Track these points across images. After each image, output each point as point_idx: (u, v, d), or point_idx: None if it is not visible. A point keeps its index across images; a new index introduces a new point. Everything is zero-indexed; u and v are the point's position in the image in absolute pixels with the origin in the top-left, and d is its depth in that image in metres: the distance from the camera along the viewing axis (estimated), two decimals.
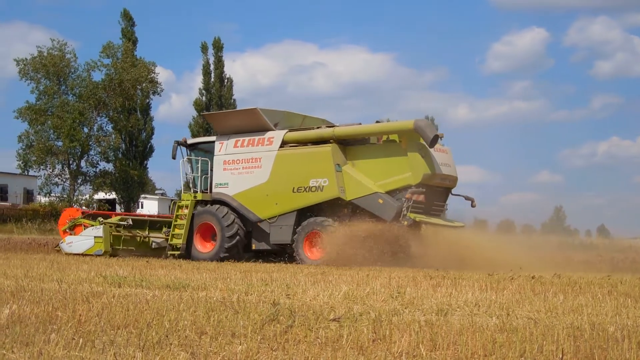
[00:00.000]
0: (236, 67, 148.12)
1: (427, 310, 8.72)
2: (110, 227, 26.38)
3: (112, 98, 64.10)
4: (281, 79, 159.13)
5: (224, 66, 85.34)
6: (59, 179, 63.56)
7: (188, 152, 27.39)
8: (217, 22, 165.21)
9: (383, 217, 22.58)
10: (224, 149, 25.92)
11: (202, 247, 25.86)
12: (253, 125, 25.40)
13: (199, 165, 26.83)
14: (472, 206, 26.20)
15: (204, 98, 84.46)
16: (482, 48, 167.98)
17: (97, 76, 65.01)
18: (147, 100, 71.08)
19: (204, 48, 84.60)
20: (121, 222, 26.97)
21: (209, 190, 26.37)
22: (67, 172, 63.54)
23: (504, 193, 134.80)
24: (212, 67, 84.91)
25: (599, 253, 28.55)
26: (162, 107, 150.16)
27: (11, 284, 11.07)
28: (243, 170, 25.28)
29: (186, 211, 25.97)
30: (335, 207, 23.68)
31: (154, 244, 27.52)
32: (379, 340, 6.48)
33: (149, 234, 27.79)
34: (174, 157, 26.75)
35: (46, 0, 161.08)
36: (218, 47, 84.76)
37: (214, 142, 26.54)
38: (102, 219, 27.10)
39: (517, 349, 6.13)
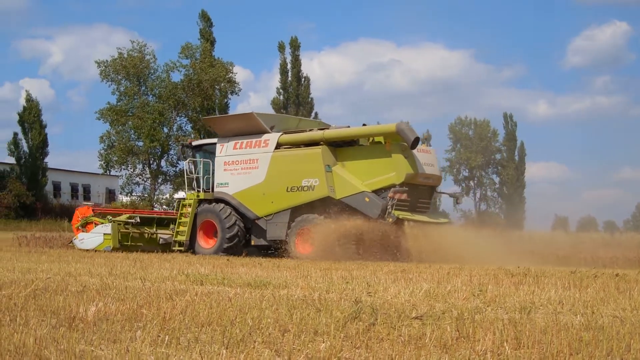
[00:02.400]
0: (313, 66, 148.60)
1: (510, 309, 8.64)
2: (119, 224, 27.65)
3: (191, 98, 64.60)
4: (358, 77, 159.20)
5: (301, 65, 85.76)
6: (139, 178, 64.36)
7: (193, 153, 28.94)
8: (294, 22, 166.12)
9: (369, 215, 23.61)
10: (225, 150, 27.20)
11: (205, 243, 27.23)
12: (250, 128, 26.68)
13: (202, 165, 28.30)
14: (457, 203, 29.55)
15: (281, 97, 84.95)
16: (561, 43, 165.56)
17: (176, 77, 65.69)
18: (226, 100, 71.52)
19: (281, 47, 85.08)
20: (129, 220, 28.25)
21: (211, 190, 27.76)
22: (148, 171, 64.26)
23: (585, 189, 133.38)
24: (289, 66, 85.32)
25: None
26: (241, 106, 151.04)
27: (96, 282, 11.25)
28: (242, 171, 26.61)
29: (189, 209, 27.37)
30: (326, 205, 24.61)
31: (161, 239, 28.69)
32: (462, 339, 6.45)
33: (156, 230, 29.04)
34: (179, 159, 28.26)
35: (127, 3, 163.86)
36: (295, 46, 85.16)
37: (215, 144, 27.82)
38: (111, 217, 28.39)
39: (603, 347, 6.04)
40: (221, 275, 13.24)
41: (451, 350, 5.96)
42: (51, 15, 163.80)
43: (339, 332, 6.56)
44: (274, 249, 25.92)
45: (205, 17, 72.18)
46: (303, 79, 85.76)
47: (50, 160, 76.51)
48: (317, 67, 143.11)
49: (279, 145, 25.89)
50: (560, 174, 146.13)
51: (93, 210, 30.55)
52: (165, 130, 64.08)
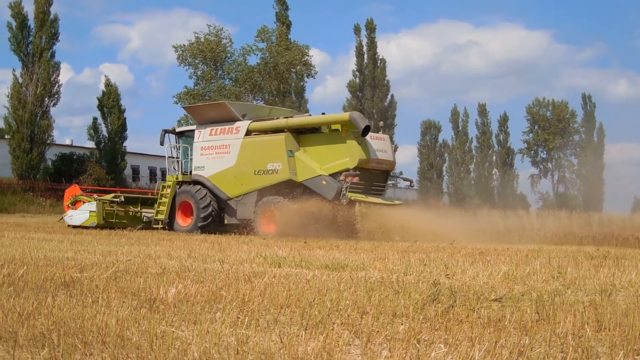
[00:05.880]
0: (390, 48, 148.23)
1: (590, 291, 8.54)
2: (104, 203, 29.73)
3: (267, 81, 64.90)
4: (435, 59, 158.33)
5: (377, 47, 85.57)
6: None
7: (176, 139, 31.39)
8: (371, 4, 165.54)
9: (326, 196, 25.61)
10: (202, 136, 29.64)
11: (182, 221, 29.52)
12: (224, 116, 29.06)
13: (181, 150, 30.64)
14: (411, 186, 31.73)
15: (357, 80, 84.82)
16: None
17: (253, 60, 66.03)
18: (302, 83, 71.68)
19: (357, 30, 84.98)
20: (114, 199, 30.29)
21: (189, 173, 30.18)
22: None
23: None
24: (365, 48, 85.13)
25: None
26: (318, 89, 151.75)
27: (175, 265, 11.37)
28: (216, 155, 29.03)
29: (169, 191, 29.86)
30: (289, 188, 26.86)
31: (145, 217, 30.86)
32: (542, 321, 6.38)
33: (140, 209, 31.14)
34: (161, 144, 31.75)
35: None
36: (371, 28, 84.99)
37: (194, 130, 30.32)
38: (97, 196, 30.61)
39: None
40: (299, 257, 13.29)
41: (531, 333, 5.90)
42: (131, 1, 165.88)
43: (418, 314, 6.54)
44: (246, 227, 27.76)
45: (281, 1, 72.36)
46: (379, 61, 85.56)
47: (129, 145, 77.69)
48: (394, 49, 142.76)
49: (248, 132, 28.21)
50: None
51: (82, 189, 32.66)
52: None
